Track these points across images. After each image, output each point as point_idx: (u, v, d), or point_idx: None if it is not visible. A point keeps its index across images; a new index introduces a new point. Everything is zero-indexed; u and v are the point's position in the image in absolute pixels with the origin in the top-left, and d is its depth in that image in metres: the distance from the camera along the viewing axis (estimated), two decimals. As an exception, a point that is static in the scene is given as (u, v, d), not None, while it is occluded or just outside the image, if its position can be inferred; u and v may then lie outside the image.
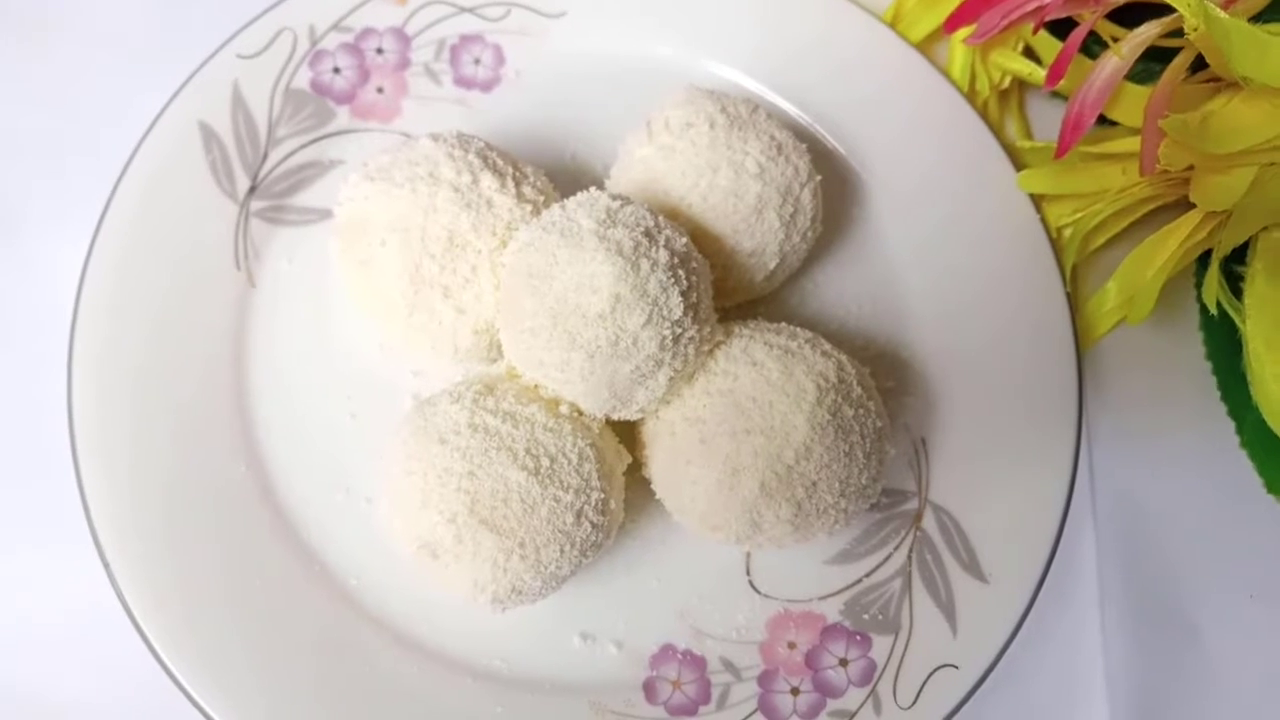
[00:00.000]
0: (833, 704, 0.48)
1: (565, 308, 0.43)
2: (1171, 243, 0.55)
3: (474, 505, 0.43)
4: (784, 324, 0.49)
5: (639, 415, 0.48)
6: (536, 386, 0.47)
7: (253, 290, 0.54)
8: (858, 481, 0.46)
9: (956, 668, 0.48)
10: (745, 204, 0.49)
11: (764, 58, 0.60)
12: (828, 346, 0.48)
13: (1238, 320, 0.53)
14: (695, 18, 0.60)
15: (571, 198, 0.46)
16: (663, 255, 0.44)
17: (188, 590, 0.48)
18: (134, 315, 0.51)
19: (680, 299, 0.44)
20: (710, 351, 0.48)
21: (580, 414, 0.47)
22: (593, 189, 0.46)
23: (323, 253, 0.54)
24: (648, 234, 0.44)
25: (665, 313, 0.44)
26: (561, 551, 0.44)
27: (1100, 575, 0.54)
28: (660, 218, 0.46)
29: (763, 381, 0.46)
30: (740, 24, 0.60)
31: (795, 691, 0.49)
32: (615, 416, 0.47)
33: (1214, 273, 0.53)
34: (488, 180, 0.48)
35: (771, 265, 0.51)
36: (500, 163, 0.49)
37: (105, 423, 0.49)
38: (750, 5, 0.60)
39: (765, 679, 0.49)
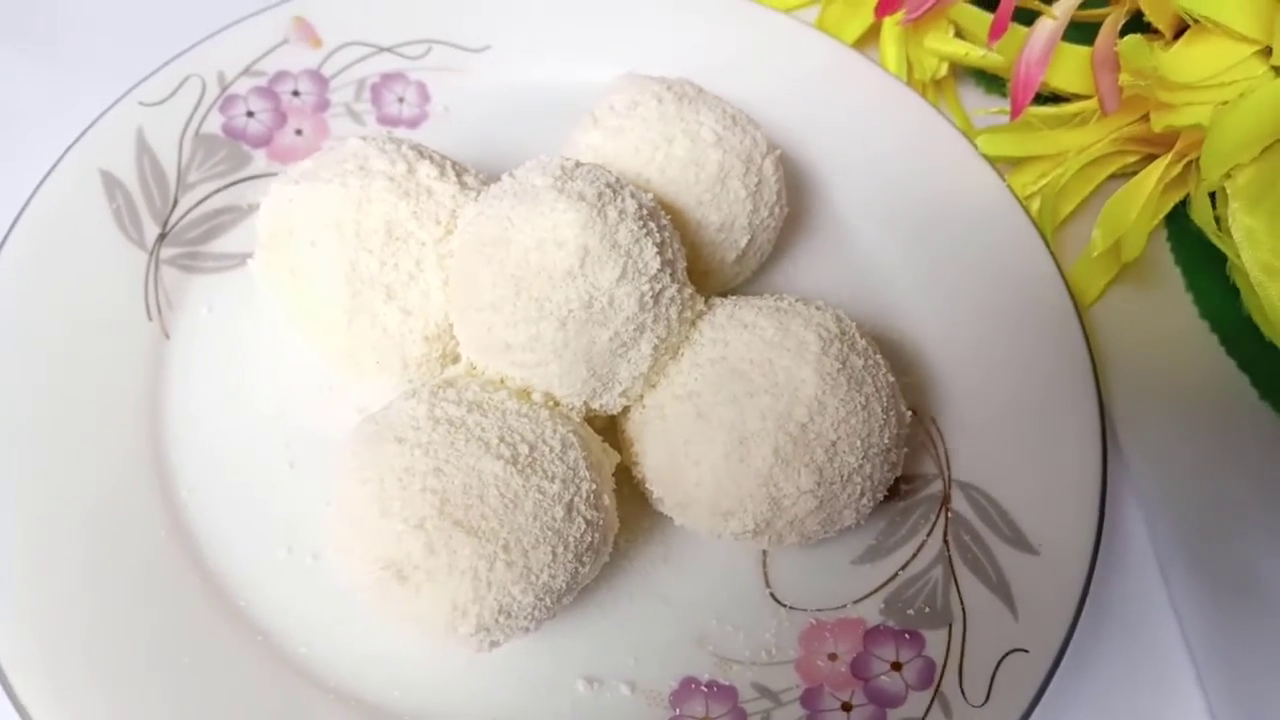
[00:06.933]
0: (894, 714, 0.41)
1: (528, 271, 0.38)
2: (1148, 184, 0.53)
3: (444, 505, 0.36)
4: (766, 294, 0.45)
5: (622, 402, 0.42)
6: (503, 380, 0.41)
7: (167, 342, 0.47)
8: (880, 441, 0.41)
9: (1026, 652, 0.41)
10: (707, 173, 0.46)
11: (699, 72, 0.58)
12: (820, 302, 0.44)
13: (1230, 253, 0.51)
14: (624, 39, 0.58)
15: (520, 166, 0.42)
16: (630, 204, 0.39)
17: (110, 680, 0.39)
18: (30, 373, 0.44)
19: (655, 251, 0.39)
20: (693, 322, 0.43)
21: (556, 404, 0.41)
22: (542, 156, 0.42)
23: (246, 297, 0.48)
24: (610, 186, 0.40)
25: (641, 266, 0.39)
26: (554, 554, 0.37)
27: (1154, 544, 0.48)
28: (620, 177, 0.42)
29: (758, 341, 0.41)
30: (671, 41, 0.58)
31: (847, 707, 0.41)
32: (596, 405, 0.42)
33: (1201, 196, 0.50)
34: (425, 169, 0.43)
35: (742, 243, 0.47)
36: (438, 156, 0.45)
37: (-5, 497, 0.41)
38: (679, 22, 0.59)
39: (809, 699, 0.41)
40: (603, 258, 0.38)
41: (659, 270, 0.39)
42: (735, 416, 0.39)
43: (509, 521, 0.36)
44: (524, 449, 0.38)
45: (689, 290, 0.42)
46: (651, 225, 0.40)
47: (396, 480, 0.37)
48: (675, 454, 0.41)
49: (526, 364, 0.40)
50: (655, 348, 0.40)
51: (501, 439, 0.38)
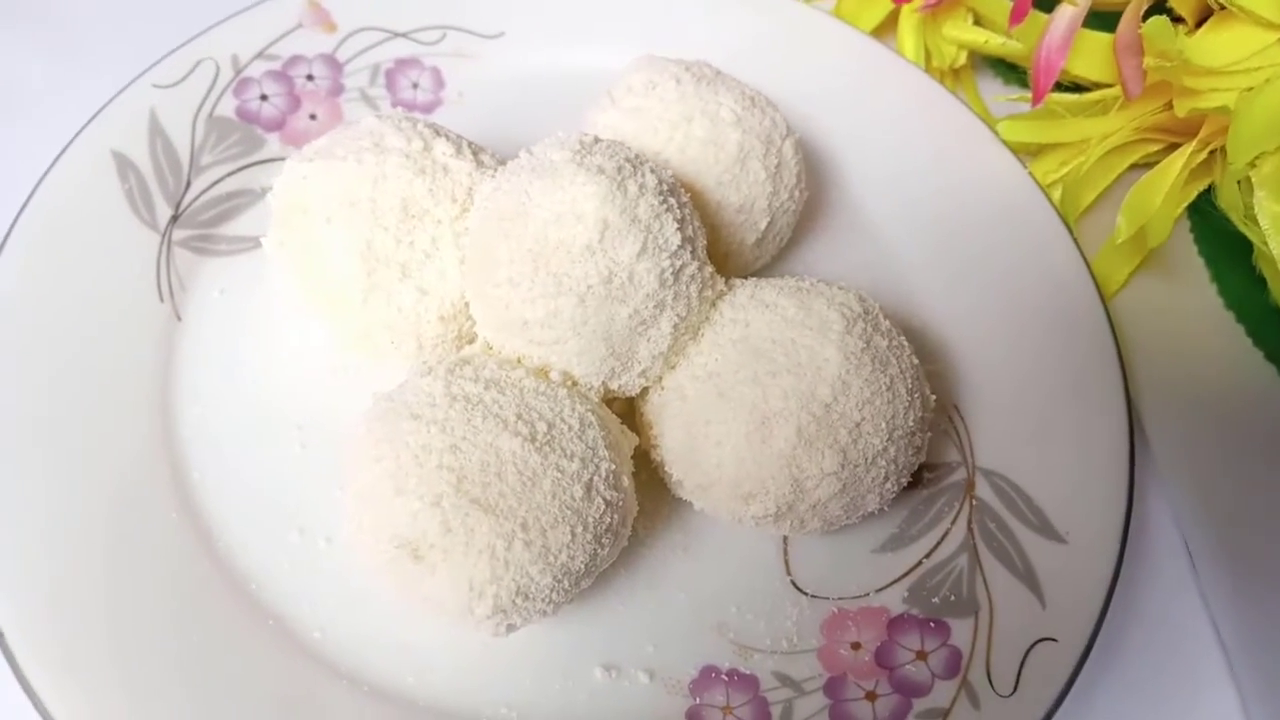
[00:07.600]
0: (920, 703, 0.40)
1: (546, 246, 0.37)
2: (1172, 170, 0.52)
3: (461, 483, 0.35)
4: (787, 276, 0.44)
5: (641, 383, 0.41)
6: (520, 359, 0.40)
7: (179, 324, 0.47)
8: (904, 424, 0.40)
9: (1055, 641, 0.40)
10: (726, 153, 0.45)
11: (714, 58, 0.57)
12: (842, 284, 0.43)
13: (1257, 240, 0.50)
14: (638, 24, 0.58)
15: (538, 143, 0.41)
16: (650, 179, 0.39)
17: (122, 664, 0.38)
18: (41, 355, 0.44)
19: (676, 228, 0.39)
20: (714, 302, 0.42)
21: (574, 384, 0.40)
22: (560, 132, 0.42)
23: (259, 280, 0.48)
24: (629, 161, 0.39)
25: (661, 242, 0.38)
26: (573, 534, 0.36)
27: (1182, 533, 0.47)
28: (640, 154, 0.41)
29: (780, 321, 0.40)
30: (686, 27, 0.58)
31: (872, 696, 0.40)
32: (614, 385, 0.41)
33: (1229, 182, 0.50)
34: (442, 146, 0.43)
35: (762, 225, 0.47)
36: (453, 134, 0.44)
37: (6, 477, 0.40)
38: (694, 8, 0.58)
39: (832, 688, 0.40)
40: (623, 232, 0.37)
41: (679, 247, 0.39)
42: (757, 396, 0.39)
43: (527, 500, 0.35)
44: (542, 427, 0.37)
45: (709, 269, 0.41)
46: (672, 201, 0.39)
47: (412, 457, 0.36)
48: (695, 435, 0.40)
49: (544, 341, 0.39)
50: (675, 326, 0.40)
51: (519, 416, 0.37)
